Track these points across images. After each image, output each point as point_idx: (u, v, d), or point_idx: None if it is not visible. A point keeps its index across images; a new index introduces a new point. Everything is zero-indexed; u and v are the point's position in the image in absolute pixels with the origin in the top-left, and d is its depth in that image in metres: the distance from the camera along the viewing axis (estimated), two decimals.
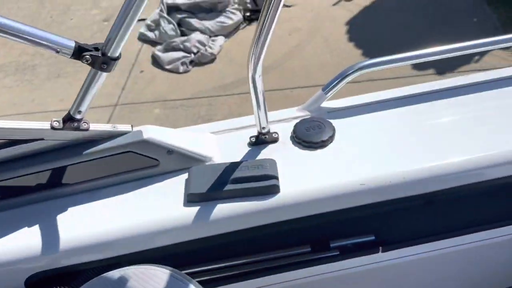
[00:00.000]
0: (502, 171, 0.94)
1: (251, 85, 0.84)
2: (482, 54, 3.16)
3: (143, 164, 0.89)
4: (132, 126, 0.89)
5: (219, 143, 0.99)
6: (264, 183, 0.86)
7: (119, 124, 0.88)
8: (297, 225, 0.92)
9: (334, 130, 0.97)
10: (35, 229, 0.84)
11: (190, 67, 3.42)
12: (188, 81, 3.38)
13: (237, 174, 0.87)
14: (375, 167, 0.90)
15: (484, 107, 1.03)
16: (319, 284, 1.04)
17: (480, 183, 0.94)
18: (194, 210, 0.86)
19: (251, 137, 0.98)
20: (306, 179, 0.90)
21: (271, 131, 0.98)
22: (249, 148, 0.97)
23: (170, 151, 0.89)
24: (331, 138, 0.96)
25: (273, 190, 0.87)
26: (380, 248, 1.00)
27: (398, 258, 1.03)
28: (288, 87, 3.17)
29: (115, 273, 0.66)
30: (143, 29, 3.79)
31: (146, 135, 0.87)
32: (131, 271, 0.65)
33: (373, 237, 1.03)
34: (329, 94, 1.02)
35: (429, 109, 1.02)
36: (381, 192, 0.89)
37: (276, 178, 0.88)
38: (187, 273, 0.96)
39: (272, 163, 0.90)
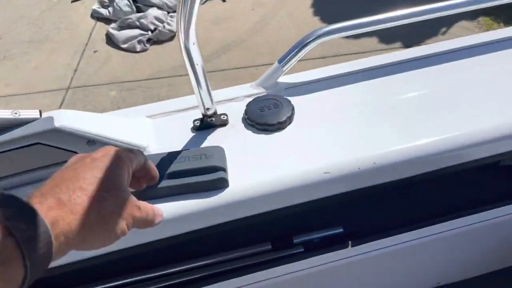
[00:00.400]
0: (482, 152, 0.82)
1: (185, 56, 0.68)
2: (449, 25, 3.08)
3: (56, 159, 0.71)
4: (40, 111, 0.71)
5: (156, 128, 0.83)
6: (209, 177, 0.71)
7: (23, 110, 0.70)
8: (252, 222, 0.78)
9: (293, 109, 0.83)
10: None
11: (147, 45, 3.21)
12: (146, 60, 3.17)
13: (176, 166, 0.71)
14: (341, 152, 0.76)
15: (463, 78, 0.90)
16: (282, 286, 0.91)
17: (457, 165, 0.81)
18: None
19: (195, 120, 0.82)
20: (261, 169, 0.76)
21: (218, 112, 0.83)
22: (193, 134, 0.81)
23: (91, 141, 0.72)
24: (289, 119, 0.82)
25: (221, 184, 0.72)
26: (350, 242, 0.88)
27: (370, 251, 0.91)
28: (253, 64, 3.01)
29: None
30: (96, 6, 3.54)
31: (58, 123, 0.69)
32: None
33: (341, 230, 0.90)
34: (286, 67, 0.87)
35: (400, 82, 0.88)
36: (349, 180, 0.75)
37: (224, 169, 0.72)
38: (121, 285, 0.81)
39: (219, 151, 0.74)
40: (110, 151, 0.48)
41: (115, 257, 0.73)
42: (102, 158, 0.46)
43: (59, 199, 0.39)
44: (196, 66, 0.70)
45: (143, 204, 0.50)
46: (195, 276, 0.85)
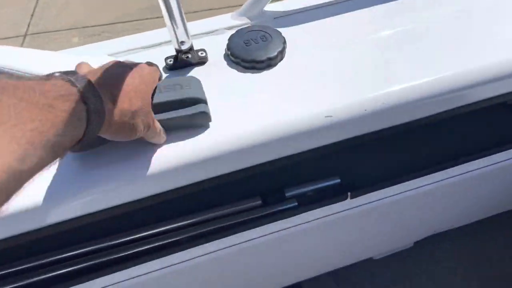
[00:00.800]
0: (490, 91, 0.72)
1: None
2: None
3: None
4: None
5: None
6: (188, 111, 0.58)
7: None
8: (239, 176, 0.67)
9: (284, 42, 0.70)
10: None
11: None
12: (108, 2, 2.92)
13: None
14: (343, 91, 0.65)
15: (478, 3, 0.78)
16: (273, 244, 0.82)
17: (462, 107, 0.71)
18: (79, 165, 0.58)
19: (167, 58, 0.69)
20: (249, 115, 0.64)
21: (195, 48, 0.69)
22: (166, 75, 0.68)
23: None
24: (281, 54, 0.69)
25: (202, 119, 0.59)
26: (349, 193, 0.78)
27: (370, 202, 0.82)
28: (228, 5, 2.80)
29: None
30: None
31: None
32: None
33: (338, 180, 0.80)
34: None
35: (407, 9, 0.75)
36: (354, 124, 0.64)
37: (205, 102, 0.60)
38: (106, 247, 0.70)
39: (195, 82, 0.61)
40: (151, 69, 0.56)
41: (100, 218, 0.61)
42: (144, 73, 0.54)
43: (112, 95, 0.48)
44: None
45: (156, 121, 0.56)
46: (178, 238, 0.74)
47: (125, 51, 0.71)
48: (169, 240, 0.74)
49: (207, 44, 0.71)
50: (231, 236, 0.76)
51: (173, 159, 0.60)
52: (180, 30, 0.63)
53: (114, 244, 0.69)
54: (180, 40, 0.64)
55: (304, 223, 0.80)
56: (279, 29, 0.71)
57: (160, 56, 0.69)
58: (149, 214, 0.70)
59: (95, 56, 0.70)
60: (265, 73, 0.68)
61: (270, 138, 0.63)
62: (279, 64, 0.69)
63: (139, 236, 0.73)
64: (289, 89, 0.66)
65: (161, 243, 0.74)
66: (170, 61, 0.68)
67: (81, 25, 2.83)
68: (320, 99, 0.64)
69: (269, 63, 0.68)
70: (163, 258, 0.71)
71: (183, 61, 0.68)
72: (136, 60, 0.71)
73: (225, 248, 0.78)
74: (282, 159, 0.67)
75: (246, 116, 0.63)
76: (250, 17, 0.75)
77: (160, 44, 0.71)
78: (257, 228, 0.77)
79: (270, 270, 0.95)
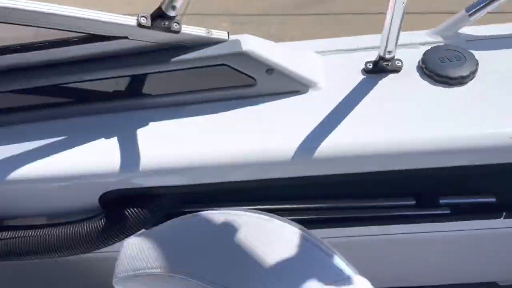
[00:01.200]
0: None
1: None
2: None
3: (237, 82, 0.73)
4: (228, 33, 0.73)
5: (326, 65, 0.81)
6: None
7: (214, 30, 0.72)
8: (401, 175, 0.76)
9: (477, 64, 0.77)
10: (112, 142, 0.73)
11: None
12: None
13: None
14: None
15: None
16: (423, 242, 0.90)
17: None
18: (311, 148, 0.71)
19: (367, 62, 0.79)
20: (434, 122, 0.72)
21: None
22: (364, 76, 0.79)
23: (270, 69, 0.72)
24: (472, 74, 0.76)
25: None
26: (504, 213, 0.83)
27: None
28: (370, 11, 2.85)
29: (215, 216, 0.55)
30: None
31: (245, 47, 0.70)
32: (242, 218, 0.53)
33: (493, 199, 0.85)
34: (474, 17, 0.79)
35: None
36: None
37: None
38: (280, 210, 0.84)
39: None
40: None
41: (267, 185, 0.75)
42: None
43: None
44: (400, 3, 0.65)
45: None
46: (337, 216, 0.85)
47: (330, 51, 0.83)
48: (328, 216, 0.85)
49: (403, 54, 0.80)
50: (383, 226, 0.86)
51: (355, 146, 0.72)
52: (392, 41, 0.73)
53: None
54: (388, 49, 0.75)
55: (454, 230, 0.86)
56: (472, 52, 0.79)
57: (360, 60, 0.81)
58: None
59: (304, 50, 0.84)
60: (455, 89, 0.76)
61: (452, 146, 0.71)
62: (469, 83, 0.76)
63: (302, 207, 0.85)
64: (476, 106, 0.73)
65: (316, 217, 0.85)
66: (370, 65, 0.79)
67: (231, 12, 3.08)
68: (506, 121, 0.70)
69: (460, 81, 0.76)
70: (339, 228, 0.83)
71: (381, 67, 0.78)
72: (335, 60, 0.83)
73: (380, 235, 0.87)
74: (450, 168, 0.75)
75: (431, 122, 0.72)
76: (444, 36, 0.83)
77: (362, 49, 0.82)
78: (407, 225, 0.86)
79: (403, 266, 1.02)
